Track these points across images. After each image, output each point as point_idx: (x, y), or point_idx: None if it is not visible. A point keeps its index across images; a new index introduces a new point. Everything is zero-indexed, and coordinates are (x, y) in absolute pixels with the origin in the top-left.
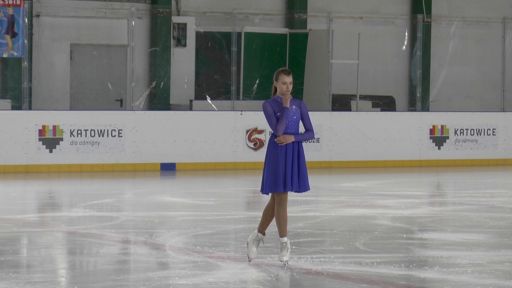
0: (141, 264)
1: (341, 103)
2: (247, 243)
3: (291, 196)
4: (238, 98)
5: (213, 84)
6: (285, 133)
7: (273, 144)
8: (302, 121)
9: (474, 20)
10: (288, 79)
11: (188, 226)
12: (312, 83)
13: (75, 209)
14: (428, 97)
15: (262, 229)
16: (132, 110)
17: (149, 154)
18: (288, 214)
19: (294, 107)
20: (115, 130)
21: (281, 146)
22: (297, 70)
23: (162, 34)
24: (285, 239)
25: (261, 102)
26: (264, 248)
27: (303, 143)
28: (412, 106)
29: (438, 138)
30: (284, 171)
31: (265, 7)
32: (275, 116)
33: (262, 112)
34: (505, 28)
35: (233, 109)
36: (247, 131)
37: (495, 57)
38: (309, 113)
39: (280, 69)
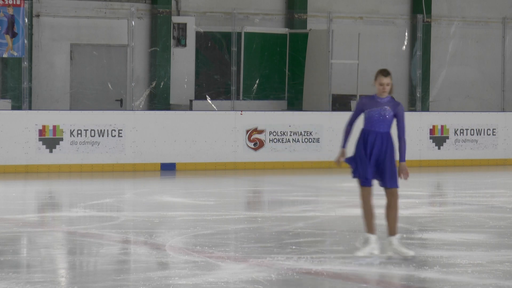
0: (141, 264)
1: (341, 103)
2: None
3: (291, 196)
4: (238, 98)
5: (213, 84)
6: (374, 132)
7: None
8: (396, 124)
9: (474, 20)
10: (386, 80)
11: (188, 226)
12: (312, 83)
13: (75, 209)
14: (428, 97)
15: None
16: (132, 110)
17: (149, 154)
18: (288, 214)
19: (387, 107)
20: (115, 130)
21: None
22: (297, 70)
23: (162, 34)
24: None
25: (261, 102)
26: (264, 248)
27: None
28: (412, 106)
29: (438, 138)
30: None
31: (265, 7)
32: (359, 112)
33: (262, 112)
34: (505, 28)
35: (233, 109)
36: (247, 131)
37: (495, 57)
38: (309, 113)
39: (380, 69)
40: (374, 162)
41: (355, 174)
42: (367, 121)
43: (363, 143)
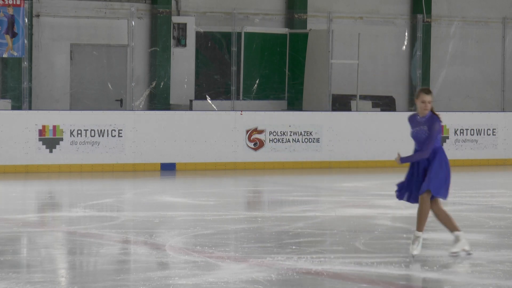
0: (141, 264)
1: (341, 103)
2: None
3: (291, 196)
4: (238, 98)
5: (213, 84)
6: (416, 150)
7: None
8: None
9: (474, 20)
10: (427, 98)
11: (188, 226)
12: (312, 83)
13: (75, 209)
14: None
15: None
16: (132, 110)
17: (149, 154)
18: (288, 214)
19: (423, 127)
20: (115, 130)
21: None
22: (297, 70)
23: (162, 34)
24: (418, 233)
25: (261, 102)
26: (264, 248)
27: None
28: (412, 106)
29: None
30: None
31: (265, 7)
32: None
33: (262, 112)
34: (505, 28)
35: (233, 109)
36: (247, 131)
37: (495, 57)
38: (309, 113)
39: (421, 87)
40: (421, 178)
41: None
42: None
43: (411, 163)
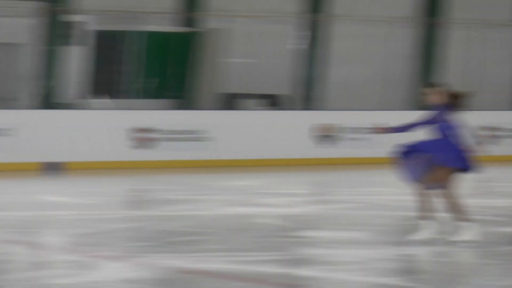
0: (19, 264)
1: (237, 102)
2: None
3: (174, 195)
4: (131, 97)
5: (110, 83)
6: None
7: None
8: None
9: (368, 19)
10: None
11: (68, 225)
12: (208, 82)
13: None
14: (316, 96)
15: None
16: (22, 109)
17: (34, 153)
18: (169, 213)
19: None
20: (3, 129)
21: None
22: (193, 70)
23: (59, 33)
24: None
25: (155, 101)
26: (144, 247)
27: None
28: (301, 105)
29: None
30: None
31: (165, 6)
32: None
33: (153, 111)
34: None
35: (125, 108)
36: (137, 130)
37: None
38: (205, 111)
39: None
40: None
41: None
42: None
43: None
